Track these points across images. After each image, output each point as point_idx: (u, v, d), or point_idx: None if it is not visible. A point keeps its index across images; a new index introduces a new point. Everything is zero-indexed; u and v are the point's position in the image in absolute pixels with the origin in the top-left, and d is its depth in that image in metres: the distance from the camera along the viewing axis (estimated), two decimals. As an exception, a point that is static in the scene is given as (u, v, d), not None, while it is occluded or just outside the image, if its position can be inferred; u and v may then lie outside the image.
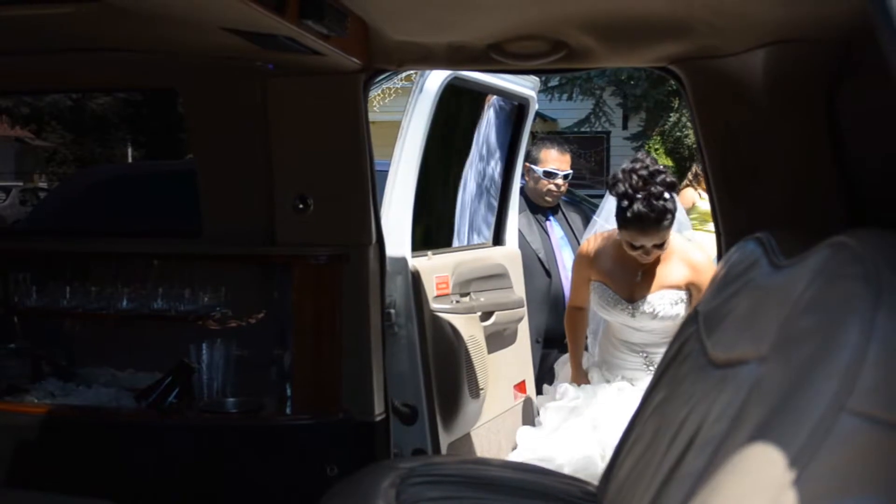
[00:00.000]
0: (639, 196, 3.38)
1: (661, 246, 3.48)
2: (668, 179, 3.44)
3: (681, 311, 3.52)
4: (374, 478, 2.18)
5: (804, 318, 1.22)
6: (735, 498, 1.12)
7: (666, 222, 3.41)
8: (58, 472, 3.05)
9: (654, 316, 3.53)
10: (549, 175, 4.60)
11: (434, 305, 3.63)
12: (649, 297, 3.53)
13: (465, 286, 3.91)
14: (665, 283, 3.54)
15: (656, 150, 21.43)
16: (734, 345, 1.50)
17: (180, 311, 3.16)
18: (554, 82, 16.61)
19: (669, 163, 18.38)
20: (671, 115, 16.84)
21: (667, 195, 3.41)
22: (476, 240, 4.42)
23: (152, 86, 4.61)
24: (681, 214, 4.64)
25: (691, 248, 3.71)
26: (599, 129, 18.67)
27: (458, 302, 3.82)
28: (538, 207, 4.74)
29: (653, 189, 3.39)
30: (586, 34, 2.62)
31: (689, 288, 3.54)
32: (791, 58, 2.46)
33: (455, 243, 4.25)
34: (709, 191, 2.95)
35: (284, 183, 3.09)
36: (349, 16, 2.42)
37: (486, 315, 4.01)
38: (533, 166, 4.62)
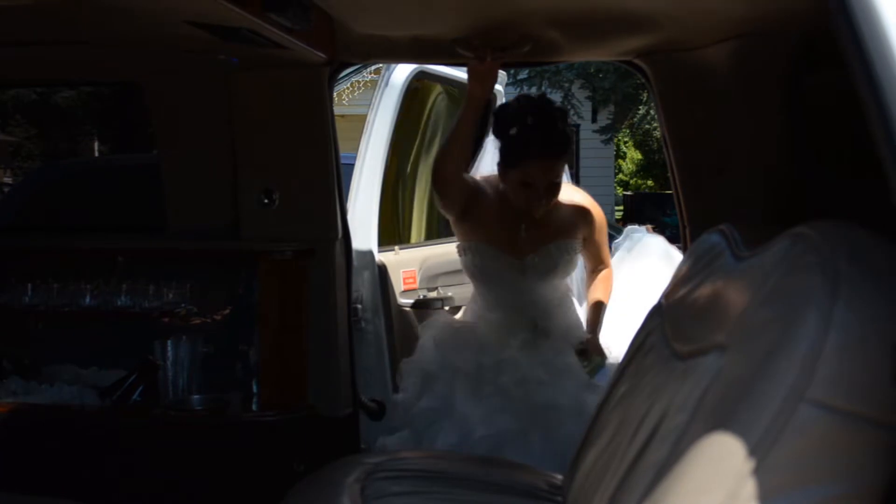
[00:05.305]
0: (534, 121, 2.87)
1: (555, 185, 2.92)
2: (559, 107, 3.00)
3: (570, 261, 3.06)
4: (339, 473, 2.17)
5: (764, 309, 1.23)
6: (695, 488, 1.12)
7: (567, 154, 2.94)
8: (20, 471, 3.01)
9: (548, 270, 3.01)
10: None
11: (401, 300, 3.63)
12: (545, 248, 2.99)
13: (433, 281, 3.91)
14: (560, 235, 3.02)
15: (625, 142, 21.51)
16: (697, 336, 1.51)
17: (144, 308, 3.13)
18: (523, 75, 16.62)
19: (638, 155, 18.44)
20: (640, 107, 16.92)
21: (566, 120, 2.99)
22: (443, 234, 4.41)
23: (116, 80, 4.56)
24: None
25: (573, 190, 3.15)
26: (568, 122, 18.65)
27: (425, 297, 3.82)
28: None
29: (550, 111, 2.92)
30: (551, 28, 2.62)
31: (582, 238, 3.08)
32: (755, 51, 2.48)
33: (422, 238, 4.24)
34: (673, 183, 2.96)
35: (249, 177, 3.07)
36: (313, 9, 2.40)
37: (454, 310, 4.00)
38: None
